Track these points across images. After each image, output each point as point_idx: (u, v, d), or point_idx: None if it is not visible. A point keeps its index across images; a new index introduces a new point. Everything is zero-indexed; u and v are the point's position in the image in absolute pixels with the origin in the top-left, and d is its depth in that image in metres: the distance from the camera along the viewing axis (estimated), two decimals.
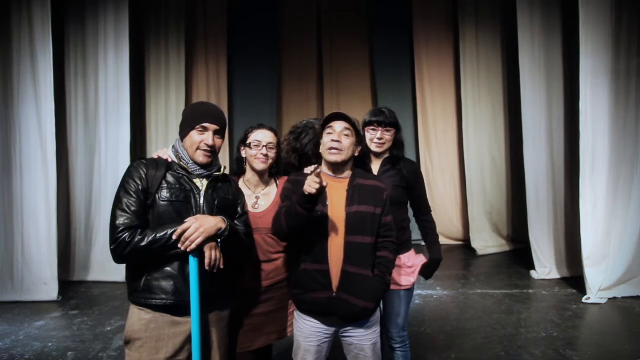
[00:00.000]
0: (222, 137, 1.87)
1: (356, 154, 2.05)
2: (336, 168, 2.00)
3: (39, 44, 4.69)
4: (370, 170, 2.27)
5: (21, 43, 4.72)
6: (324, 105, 7.64)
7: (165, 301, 1.67)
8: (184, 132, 1.83)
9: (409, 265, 2.36)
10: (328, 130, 1.98)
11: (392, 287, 2.26)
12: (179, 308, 1.69)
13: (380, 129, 2.32)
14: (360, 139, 2.05)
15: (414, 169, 2.41)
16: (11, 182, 4.72)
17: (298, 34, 7.71)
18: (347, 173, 2.03)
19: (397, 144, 2.39)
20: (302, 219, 1.83)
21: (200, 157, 1.79)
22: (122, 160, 5.32)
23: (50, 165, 4.71)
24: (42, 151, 4.71)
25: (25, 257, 4.69)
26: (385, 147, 2.35)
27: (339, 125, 1.96)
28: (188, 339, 1.71)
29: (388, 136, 2.34)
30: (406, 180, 2.33)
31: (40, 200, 4.71)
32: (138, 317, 1.70)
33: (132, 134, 5.50)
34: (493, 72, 6.68)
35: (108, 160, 5.41)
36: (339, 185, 1.99)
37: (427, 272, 2.44)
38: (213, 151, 1.81)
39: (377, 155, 2.38)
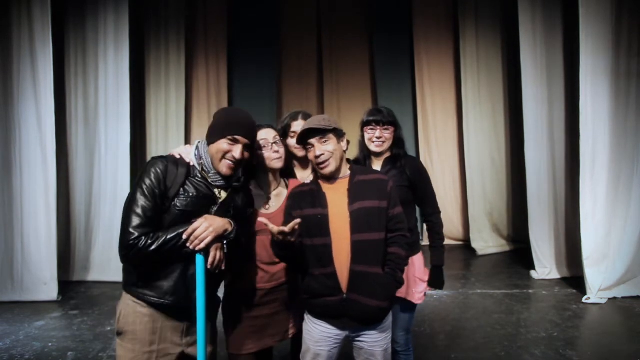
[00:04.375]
0: (250, 152, 1.82)
1: (345, 149, 1.99)
2: (333, 176, 1.96)
3: (39, 43, 4.69)
4: None
5: (21, 43, 4.72)
6: (324, 105, 7.64)
7: (162, 301, 1.67)
8: (212, 137, 1.75)
9: (421, 279, 2.31)
10: (307, 147, 1.94)
11: (403, 296, 2.23)
12: (174, 310, 1.69)
13: (378, 127, 2.27)
14: (340, 132, 1.98)
15: (416, 166, 2.35)
16: (11, 181, 4.72)
17: (298, 34, 7.70)
18: (345, 171, 2.00)
19: (397, 142, 2.34)
20: (287, 257, 1.89)
21: (224, 168, 1.73)
22: (122, 160, 5.33)
23: (50, 164, 4.70)
24: (42, 151, 4.71)
25: (25, 257, 4.68)
26: (385, 146, 2.30)
27: (314, 140, 1.90)
28: (181, 334, 1.73)
29: (387, 134, 2.29)
30: (409, 179, 2.28)
31: (40, 200, 4.70)
32: (133, 310, 1.69)
33: (132, 134, 5.49)
34: (493, 71, 6.67)
35: (108, 160, 5.41)
36: (339, 185, 1.95)
37: (432, 281, 2.35)
38: (238, 164, 1.76)
39: (378, 155, 2.34)
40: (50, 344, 3.59)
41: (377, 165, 2.34)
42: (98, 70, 5.46)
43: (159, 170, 1.67)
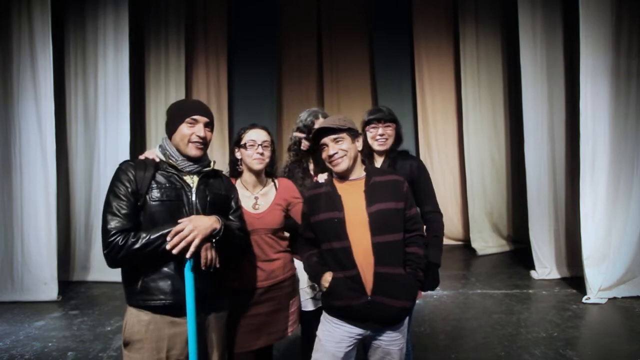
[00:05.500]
0: (212, 130, 1.87)
1: (360, 149, 1.99)
2: (347, 174, 1.96)
3: (39, 43, 4.70)
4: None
5: (21, 43, 4.72)
6: (324, 105, 7.64)
7: (164, 301, 1.66)
8: (172, 127, 1.81)
9: None
10: (321, 147, 1.95)
11: None
12: (179, 308, 1.68)
13: (380, 125, 2.30)
14: (355, 132, 1.99)
15: (417, 165, 2.36)
16: (11, 181, 4.72)
17: (298, 34, 7.72)
18: (360, 172, 1.99)
19: (398, 140, 2.37)
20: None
21: (193, 150, 1.78)
22: (122, 160, 5.30)
23: (50, 164, 4.71)
24: (42, 151, 4.71)
25: (25, 257, 4.69)
26: (388, 143, 2.33)
27: (328, 139, 1.92)
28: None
29: (389, 131, 2.32)
30: (409, 176, 2.28)
31: (40, 200, 4.71)
32: (137, 319, 1.68)
33: (132, 134, 5.50)
34: (493, 72, 6.68)
35: (107, 160, 5.41)
36: (354, 187, 1.94)
37: (426, 281, 2.15)
38: (204, 143, 1.81)
39: (380, 152, 2.36)
40: (50, 344, 3.59)
41: (377, 162, 2.36)
42: (98, 70, 5.46)
43: (128, 172, 1.72)
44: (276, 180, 2.24)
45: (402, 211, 1.92)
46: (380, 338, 1.89)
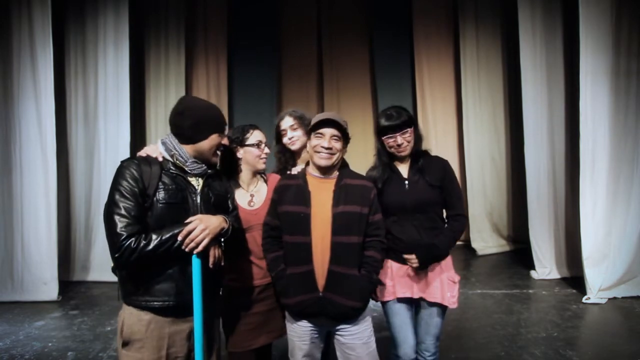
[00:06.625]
0: None
1: (343, 155, 2.05)
2: (325, 170, 2.00)
3: (39, 43, 4.70)
4: (399, 174, 2.20)
5: (21, 43, 4.73)
6: (324, 105, 7.64)
7: (168, 303, 1.65)
8: (201, 134, 1.76)
9: (454, 281, 2.21)
10: (317, 134, 1.96)
11: (439, 301, 2.17)
12: (180, 309, 1.67)
13: (397, 134, 2.16)
14: (347, 139, 2.03)
15: (444, 166, 2.25)
16: (11, 181, 4.72)
17: (298, 34, 7.70)
18: (335, 173, 2.03)
19: (418, 140, 2.25)
20: None
21: (216, 159, 1.85)
22: (122, 160, 5.32)
23: (50, 164, 4.71)
24: (42, 151, 4.71)
25: (25, 257, 4.69)
26: (409, 149, 2.21)
27: (328, 131, 1.95)
28: (188, 337, 1.72)
29: (408, 137, 2.19)
30: (439, 179, 2.19)
31: (40, 200, 4.71)
32: (137, 318, 1.67)
33: (132, 134, 5.50)
34: (493, 72, 6.67)
35: (108, 160, 5.41)
36: (325, 185, 1.99)
37: (419, 253, 2.13)
38: None
39: (402, 158, 2.25)
40: (50, 344, 3.59)
41: (403, 167, 2.25)
42: (98, 70, 5.46)
43: (133, 171, 1.68)
44: (265, 176, 2.27)
45: (365, 216, 1.96)
46: (340, 333, 1.96)
